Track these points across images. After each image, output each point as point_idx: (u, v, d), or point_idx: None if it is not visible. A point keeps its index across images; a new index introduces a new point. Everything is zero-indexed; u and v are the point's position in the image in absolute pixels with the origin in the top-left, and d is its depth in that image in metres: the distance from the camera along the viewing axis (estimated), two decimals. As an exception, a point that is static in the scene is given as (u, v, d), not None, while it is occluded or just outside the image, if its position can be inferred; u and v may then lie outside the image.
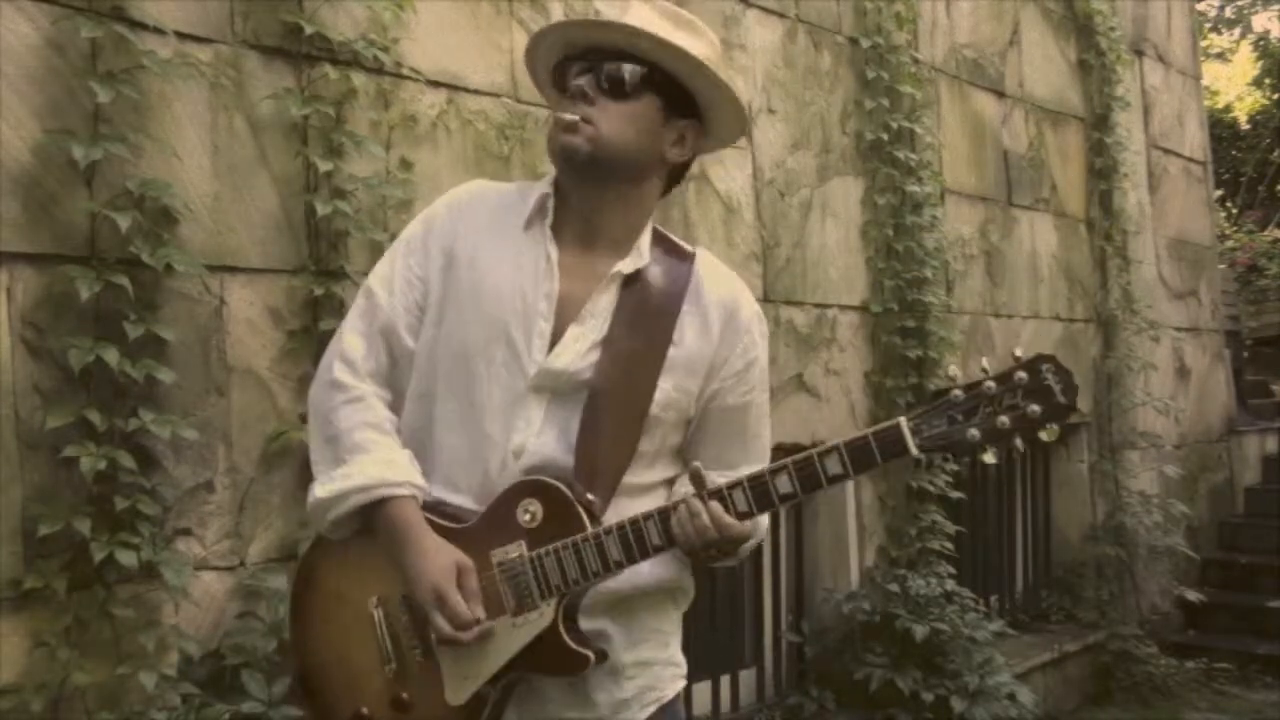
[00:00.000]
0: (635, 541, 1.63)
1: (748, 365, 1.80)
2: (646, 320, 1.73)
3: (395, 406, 1.79)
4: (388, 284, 1.79)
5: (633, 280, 1.74)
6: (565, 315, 1.72)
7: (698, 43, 1.74)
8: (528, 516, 1.66)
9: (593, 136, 1.69)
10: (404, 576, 1.67)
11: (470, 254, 1.76)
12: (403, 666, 1.70)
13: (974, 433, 1.55)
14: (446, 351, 1.74)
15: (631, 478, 1.70)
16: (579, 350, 1.70)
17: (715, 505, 1.60)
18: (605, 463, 1.68)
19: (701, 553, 1.63)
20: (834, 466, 1.59)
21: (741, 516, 1.62)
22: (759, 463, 1.78)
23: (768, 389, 1.86)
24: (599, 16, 1.75)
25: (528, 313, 1.72)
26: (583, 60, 1.72)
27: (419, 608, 1.67)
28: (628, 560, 1.63)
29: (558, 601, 1.64)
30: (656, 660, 1.79)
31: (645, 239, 1.78)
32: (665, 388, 1.73)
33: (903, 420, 1.57)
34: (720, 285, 1.81)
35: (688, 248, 1.85)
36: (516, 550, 1.65)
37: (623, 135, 1.70)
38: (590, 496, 1.65)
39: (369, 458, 1.71)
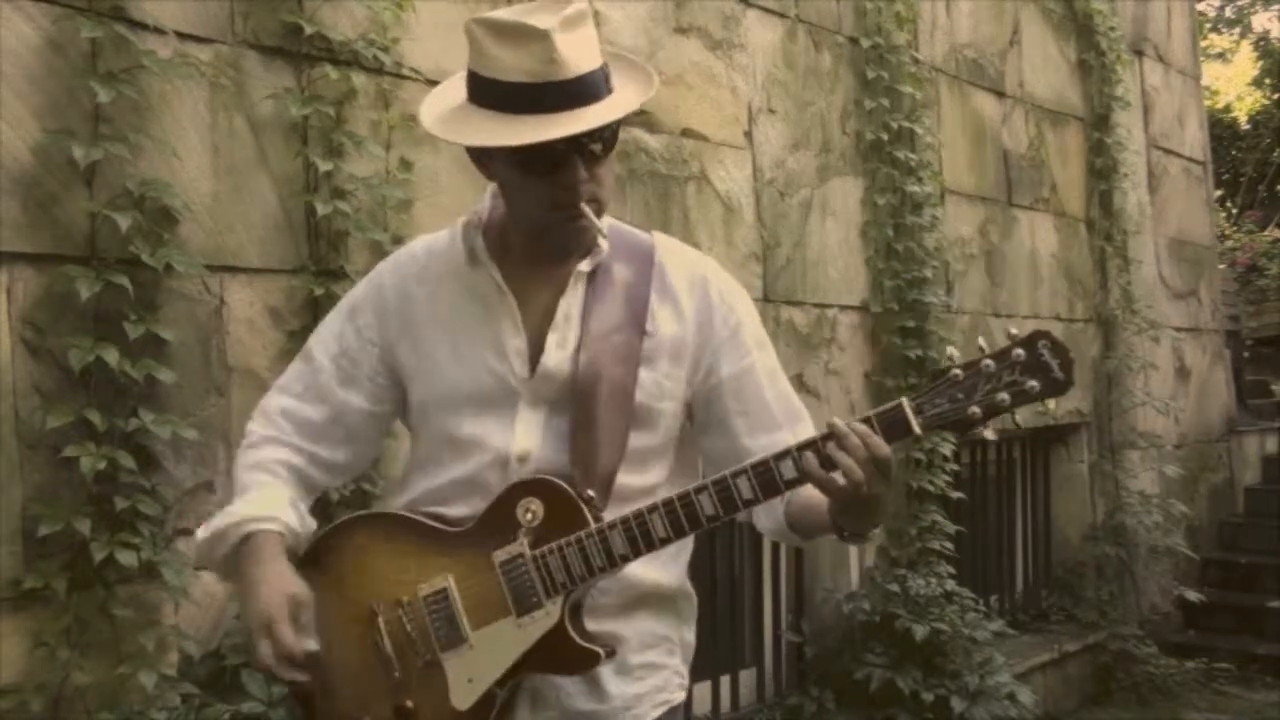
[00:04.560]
0: (640, 535, 1.61)
1: (733, 332, 1.77)
2: (617, 313, 1.72)
3: (336, 466, 1.81)
4: (328, 346, 1.80)
5: (595, 276, 1.73)
6: (536, 325, 1.71)
7: (641, 70, 1.75)
8: (529, 515, 1.64)
9: (600, 212, 1.68)
10: (242, 603, 1.68)
11: (428, 310, 1.76)
12: (406, 673, 1.68)
13: (975, 410, 1.55)
14: (437, 405, 1.74)
15: (628, 479, 1.68)
16: (563, 356, 1.70)
17: (859, 426, 1.54)
18: (599, 461, 1.66)
19: (853, 493, 1.54)
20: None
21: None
22: (796, 421, 1.77)
23: (771, 351, 1.83)
24: (620, 108, 1.64)
25: (498, 339, 1.71)
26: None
27: (418, 612, 1.66)
28: (633, 554, 1.61)
29: (564, 599, 1.62)
30: (665, 665, 1.79)
31: (596, 227, 1.74)
32: (653, 376, 1.72)
33: (904, 400, 1.57)
34: (684, 266, 1.79)
35: (644, 235, 1.81)
36: (518, 549, 1.64)
37: (612, 188, 1.71)
38: (590, 493, 1.64)
39: (247, 496, 1.73)
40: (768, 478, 1.58)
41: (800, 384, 4.40)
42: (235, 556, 1.69)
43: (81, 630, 2.46)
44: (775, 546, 4.62)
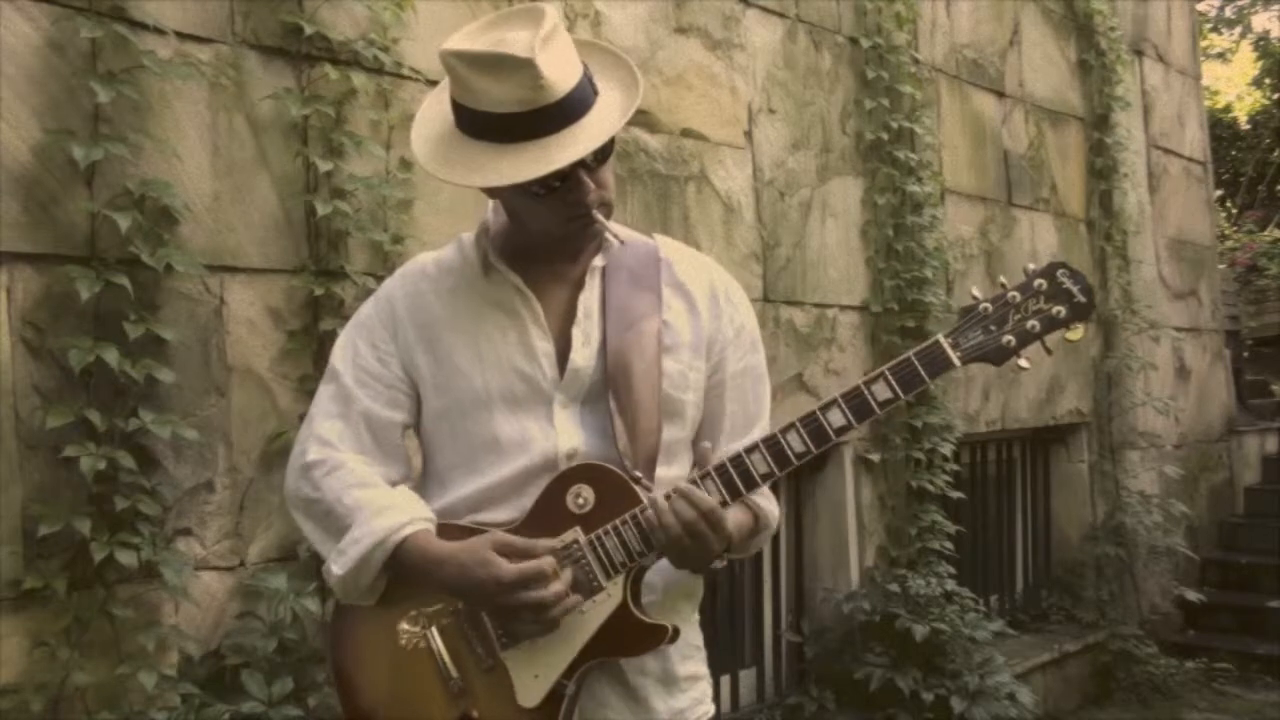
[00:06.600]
0: None
1: (737, 331, 1.80)
2: (634, 305, 1.73)
3: (390, 483, 1.74)
4: (354, 364, 1.76)
5: (607, 272, 1.75)
6: (559, 325, 1.72)
7: (631, 71, 1.73)
8: (580, 501, 1.63)
9: (609, 214, 1.70)
10: (455, 592, 1.63)
11: (447, 318, 1.74)
12: (467, 682, 1.64)
13: (1009, 339, 1.64)
14: (462, 411, 1.71)
15: (662, 471, 1.68)
16: (589, 352, 1.70)
17: (692, 490, 1.59)
18: (641, 450, 1.67)
19: (685, 545, 1.58)
20: (883, 392, 1.62)
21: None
22: (759, 427, 1.79)
23: (762, 352, 1.86)
24: (615, 117, 1.63)
25: (525, 342, 1.71)
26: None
27: (474, 616, 1.63)
28: None
29: (625, 578, 1.62)
30: (701, 675, 1.80)
31: (609, 230, 1.75)
32: (677, 367, 1.73)
33: (940, 336, 1.63)
34: (690, 263, 1.82)
35: (645, 237, 1.84)
36: (572, 536, 1.63)
37: (614, 187, 1.73)
38: (638, 473, 1.64)
39: (369, 511, 1.66)
40: (816, 426, 1.62)
41: (800, 384, 4.41)
42: (394, 565, 1.65)
43: (81, 630, 2.46)
44: (775, 546, 4.62)
